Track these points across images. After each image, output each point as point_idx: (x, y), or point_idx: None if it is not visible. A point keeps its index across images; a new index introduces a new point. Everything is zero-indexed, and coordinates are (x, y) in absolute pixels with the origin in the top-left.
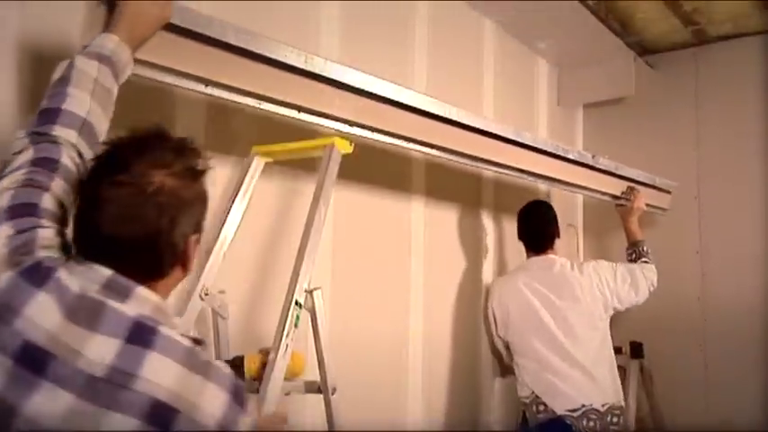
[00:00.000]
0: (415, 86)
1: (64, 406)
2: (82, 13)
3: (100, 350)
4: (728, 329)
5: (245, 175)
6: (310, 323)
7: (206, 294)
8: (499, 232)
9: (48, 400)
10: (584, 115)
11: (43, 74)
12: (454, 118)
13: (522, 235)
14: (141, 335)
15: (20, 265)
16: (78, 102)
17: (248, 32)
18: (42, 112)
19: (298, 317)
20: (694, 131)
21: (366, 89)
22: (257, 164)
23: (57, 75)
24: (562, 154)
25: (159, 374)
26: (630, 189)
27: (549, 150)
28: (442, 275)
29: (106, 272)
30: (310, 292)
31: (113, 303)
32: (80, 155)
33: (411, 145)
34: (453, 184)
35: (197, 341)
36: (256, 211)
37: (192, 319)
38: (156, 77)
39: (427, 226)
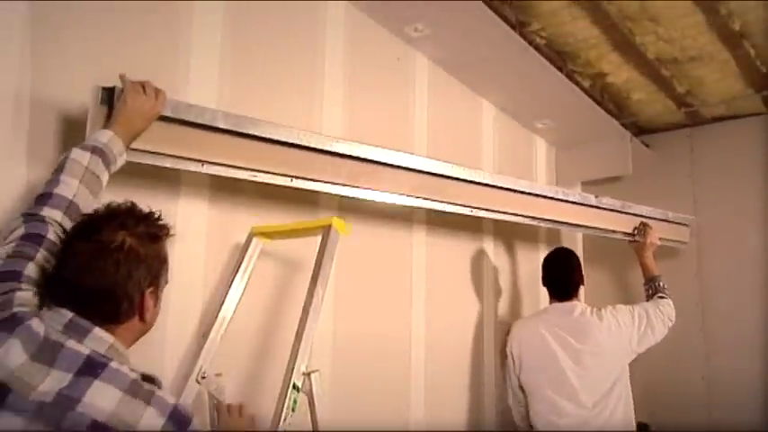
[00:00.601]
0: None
1: (18, 428)
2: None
3: (53, 383)
4: (734, 408)
5: (244, 255)
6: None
7: (203, 377)
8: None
9: (3, 425)
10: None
11: (50, 130)
12: (449, 174)
13: (546, 282)
14: (90, 368)
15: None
16: (67, 186)
17: (236, 116)
18: (38, 197)
19: (295, 401)
20: (692, 210)
21: (352, 154)
22: (256, 244)
23: (58, 163)
24: (563, 197)
25: (101, 399)
26: (643, 225)
27: (558, 197)
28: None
29: (68, 314)
30: (308, 375)
31: (71, 343)
32: (64, 231)
33: (411, 200)
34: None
35: (148, 377)
36: (255, 289)
37: (188, 402)
38: (158, 163)
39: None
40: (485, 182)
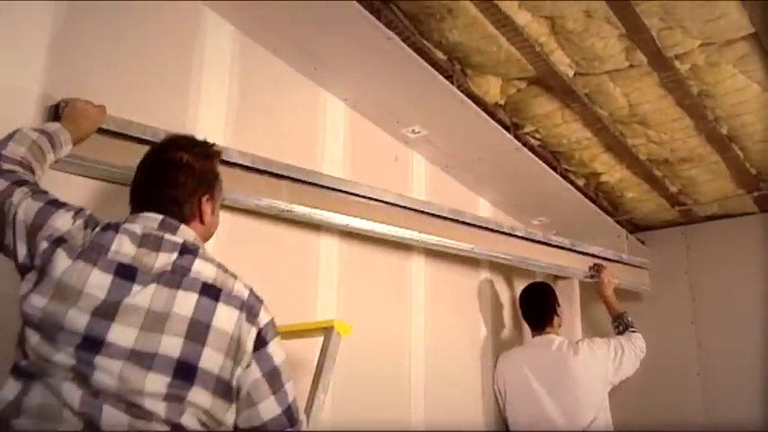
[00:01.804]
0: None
1: (151, 293)
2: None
3: (164, 261)
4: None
5: None
6: None
7: None
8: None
9: (139, 293)
10: (581, 288)
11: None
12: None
13: (524, 316)
14: (189, 250)
15: (98, 225)
16: (16, 150)
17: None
18: None
19: None
20: (690, 307)
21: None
22: None
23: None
24: (510, 231)
25: (204, 269)
26: (597, 266)
27: (506, 231)
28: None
29: (159, 216)
30: None
31: (168, 235)
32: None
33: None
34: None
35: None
36: None
37: None
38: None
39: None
40: (442, 214)
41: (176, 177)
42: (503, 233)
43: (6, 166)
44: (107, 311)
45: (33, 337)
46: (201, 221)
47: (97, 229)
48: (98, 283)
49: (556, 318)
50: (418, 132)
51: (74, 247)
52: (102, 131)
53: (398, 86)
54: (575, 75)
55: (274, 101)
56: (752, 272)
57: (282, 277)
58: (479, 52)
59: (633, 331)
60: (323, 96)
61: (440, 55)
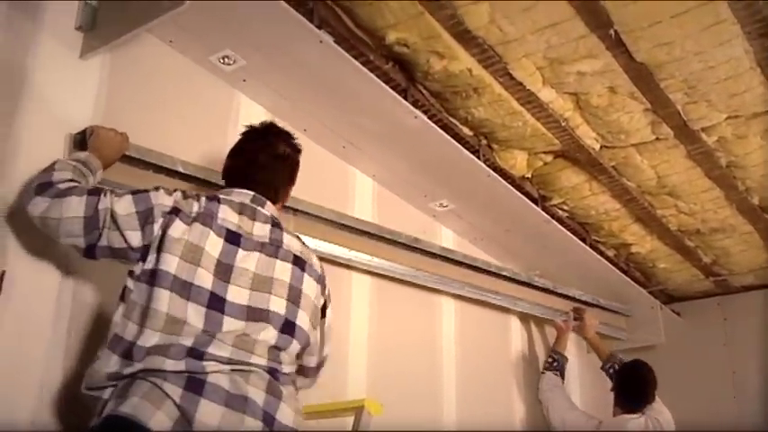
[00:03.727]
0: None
1: (256, 259)
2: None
3: (261, 230)
4: None
5: None
6: None
7: None
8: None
9: (245, 257)
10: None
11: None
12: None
13: (622, 393)
14: (277, 225)
15: (200, 197)
16: (62, 175)
17: (194, 166)
18: (40, 185)
19: None
20: (731, 381)
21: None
22: None
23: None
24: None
25: (292, 243)
26: (577, 309)
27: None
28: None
29: (250, 192)
30: None
31: (260, 208)
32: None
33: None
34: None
35: None
36: None
37: None
38: None
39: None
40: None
41: (280, 168)
42: (491, 273)
43: (66, 185)
44: (224, 273)
45: (164, 298)
46: (282, 206)
47: (203, 199)
48: (214, 243)
49: (650, 404)
50: (446, 206)
51: (186, 213)
52: (124, 158)
53: (425, 162)
54: (601, 148)
55: (304, 177)
56: None
57: None
58: (505, 128)
59: None
60: (351, 172)
61: (466, 131)
